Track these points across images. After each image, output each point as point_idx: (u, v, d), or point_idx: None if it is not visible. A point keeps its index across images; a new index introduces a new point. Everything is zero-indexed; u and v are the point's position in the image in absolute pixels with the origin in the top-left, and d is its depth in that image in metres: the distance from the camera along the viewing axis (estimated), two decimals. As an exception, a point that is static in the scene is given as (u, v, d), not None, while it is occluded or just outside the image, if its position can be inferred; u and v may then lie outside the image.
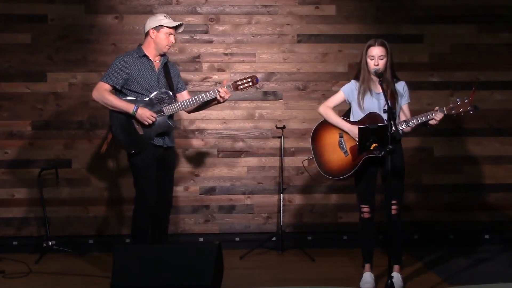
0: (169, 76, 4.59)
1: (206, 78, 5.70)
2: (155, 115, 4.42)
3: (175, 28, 4.54)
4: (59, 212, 5.58)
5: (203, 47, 5.71)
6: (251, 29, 5.73)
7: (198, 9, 5.70)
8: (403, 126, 4.28)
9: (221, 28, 5.72)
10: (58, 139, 5.60)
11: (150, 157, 4.47)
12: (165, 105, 4.49)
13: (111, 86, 4.45)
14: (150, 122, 4.40)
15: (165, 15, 4.58)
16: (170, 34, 4.50)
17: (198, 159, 5.72)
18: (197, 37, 5.71)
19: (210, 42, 5.72)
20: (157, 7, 5.65)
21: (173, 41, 4.54)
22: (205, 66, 5.71)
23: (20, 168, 5.57)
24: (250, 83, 4.57)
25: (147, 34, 4.53)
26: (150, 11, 5.61)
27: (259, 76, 5.69)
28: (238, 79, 4.61)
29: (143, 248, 4.09)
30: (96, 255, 5.40)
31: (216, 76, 5.70)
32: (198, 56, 5.71)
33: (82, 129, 5.61)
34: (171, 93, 4.53)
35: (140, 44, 4.59)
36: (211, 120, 5.72)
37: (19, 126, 5.57)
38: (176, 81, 4.66)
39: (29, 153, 5.58)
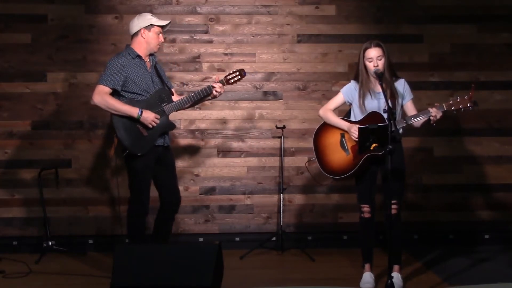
0: (160, 75, 4.61)
1: (206, 78, 5.70)
2: (158, 116, 4.43)
3: (163, 26, 4.57)
4: (59, 212, 5.58)
5: (203, 47, 5.71)
6: (251, 29, 5.73)
7: (198, 9, 5.70)
8: (403, 124, 4.28)
9: (221, 28, 5.72)
10: (58, 139, 5.60)
11: (150, 159, 4.47)
12: (165, 104, 4.50)
13: (111, 89, 4.42)
14: (155, 125, 4.42)
15: (152, 14, 4.61)
16: (160, 32, 4.53)
17: (198, 159, 5.72)
18: (197, 37, 5.71)
19: (210, 42, 5.72)
20: (157, 7, 5.65)
21: (163, 40, 4.58)
22: (205, 66, 5.71)
23: (20, 168, 5.57)
24: (238, 76, 4.64)
25: (136, 34, 4.51)
26: (150, 11, 5.59)
27: (259, 76, 5.72)
28: (228, 73, 4.66)
29: (143, 248, 4.08)
30: (96, 255, 5.40)
31: (216, 76, 5.69)
32: (198, 56, 5.71)
33: (82, 129, 5.61)
34: (168, 90, 4.58)
35: (128, 45, 4.57)
36: (211, 120, 5.72)
37: (19, 126, 5.57)
38: (165, 80, 4.69)
39: (29, 153, 5.58)
